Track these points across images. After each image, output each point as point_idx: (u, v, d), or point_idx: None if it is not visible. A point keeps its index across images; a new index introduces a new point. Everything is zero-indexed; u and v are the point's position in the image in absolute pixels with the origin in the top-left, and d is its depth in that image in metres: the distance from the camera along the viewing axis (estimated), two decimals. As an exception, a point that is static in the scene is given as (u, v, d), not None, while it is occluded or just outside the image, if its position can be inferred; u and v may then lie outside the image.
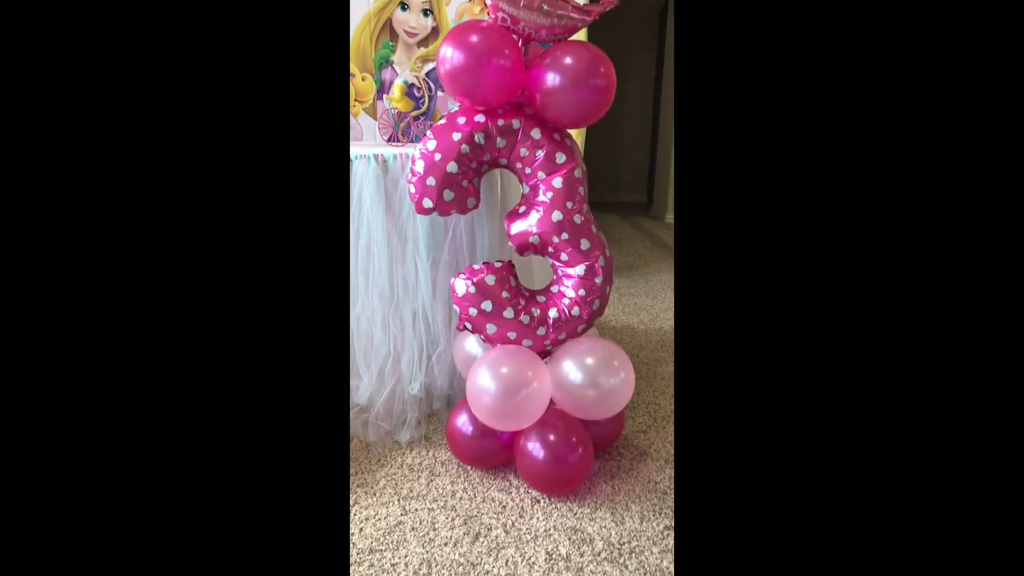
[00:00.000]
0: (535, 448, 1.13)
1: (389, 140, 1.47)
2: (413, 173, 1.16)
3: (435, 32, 2.52)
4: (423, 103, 2.59)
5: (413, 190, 1.16)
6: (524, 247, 1.18)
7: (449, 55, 1.10)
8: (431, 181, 1.14)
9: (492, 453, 1.22)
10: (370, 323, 1.29)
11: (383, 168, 1.27)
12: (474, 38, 1.07)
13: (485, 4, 2.42)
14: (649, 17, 4.74)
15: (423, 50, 2.52)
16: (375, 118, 2.60)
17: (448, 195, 1.15)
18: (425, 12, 2.47)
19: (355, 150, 1.30)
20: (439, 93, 2.57)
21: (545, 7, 1.06)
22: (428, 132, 1.16)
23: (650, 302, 2.43)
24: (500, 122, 1.14)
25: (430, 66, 2.55)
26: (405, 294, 1.28)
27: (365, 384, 1.32)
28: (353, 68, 2.53)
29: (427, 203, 1.16)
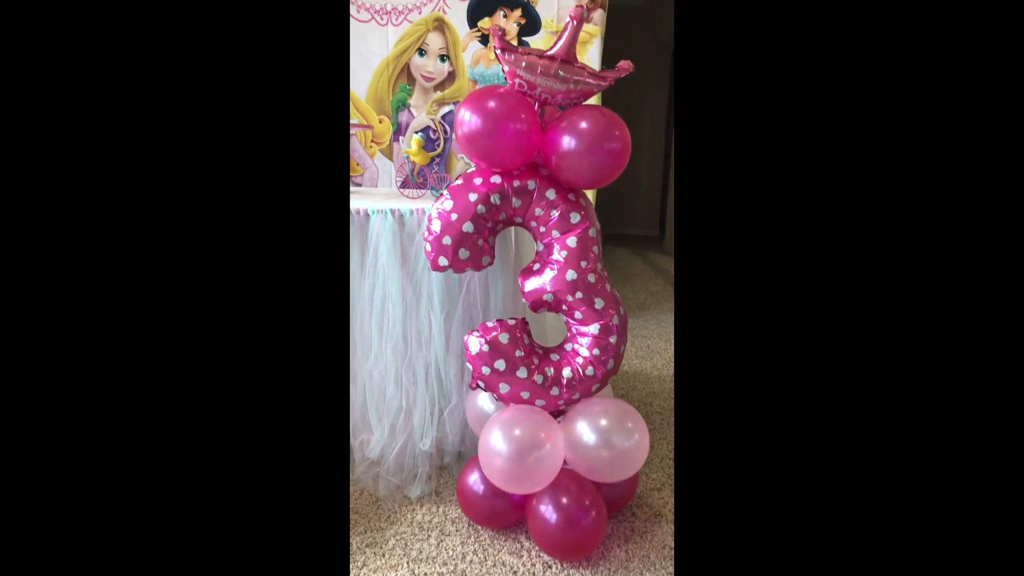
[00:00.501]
0: (547, 511, 1.11)
1: (403, 186, 1.49)
2: (430, 232, 1.17)
3: (451, 76, 2.58)
4: (438, 145, 2.64)
5: (429, 248, 1.17)
6: (538, 304, 1.18)
7: (468, 119, 1.12)
8: (447, 240, 1.15)
9: (504, 513, 1.20)
10: (383, 377, 1.29)
11: (399, 223, 1.29)
12: (492, 103, 1.09)
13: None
14: (662, 56, 4.83)
15: (439, 94, 2.58)
16: (391, 159, 2.65)
17: (463, 254, 1.16)
18: (442, 57, 2.53)
19: (372, 204, 1.32)
20: (454, 136, 2.62)
21: (561, 73, 1.08)
22: (445, 192, 1.18)
23: (663, 345, 2.41)
24: (516, 183, 1.15)
25: (446, 109, 2.61)
26: (418, 348, 1.28)
27: (377, 438, 1.31)
28: (371, 111, 2.59)
29: (443, 261, 1.17)
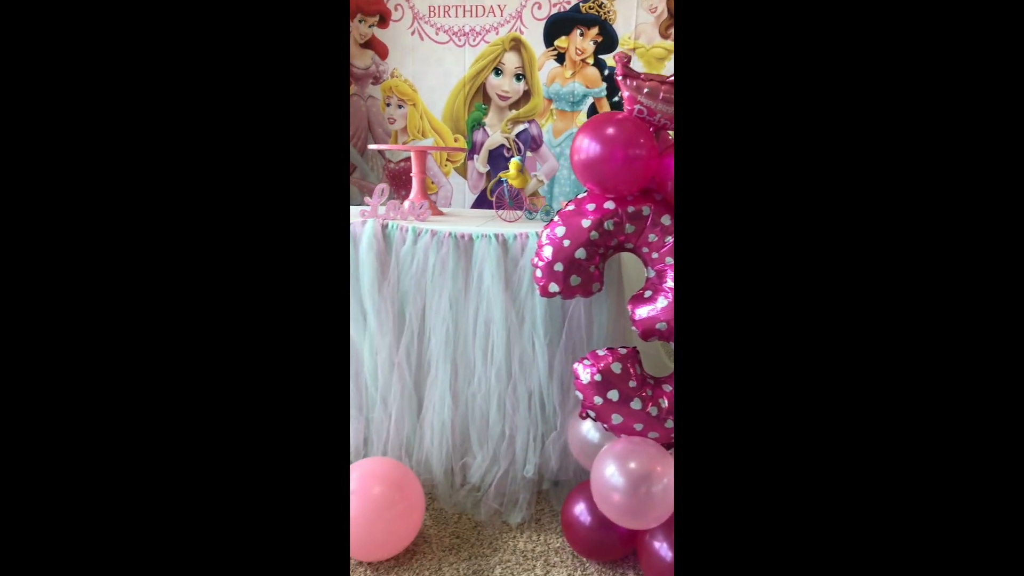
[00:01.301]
0: (663, 548, 1.08)
1: (498, 208, 1.49)
2: (540, 258, 1.16)
3: (526, 95, 2.59)
4: (512, 163, 2.65)
5: (540, 274, 1.16)
6: (650, 333, 1.15)
7: (585, 145, 1.11)
8: (559, 267, 1.14)
9: (611, 546, 1.17)
10: (486, 401, 1.29)
11: (503, 247, 1.29)
12: (610, 130, 1.08)
13: (575, 69, 2.47)
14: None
15: (514, 112, 2.60)
16: (465, 177, 2.68)
17: (575, 280, 1.15)
18: (518, 76, 2.55)
19: (476, 228, 1.33)
20: (528, 154, 2.63)
21: (682, 99, 1.05)
22: (556, 218, 1.17)
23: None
24: (630, 209, 1.13)
25: (520, 128, 2.63)
26: (521, 374, 1.27)
27: (478, 462, 1.31)
28: (446, 130, 2.63)
29: (553, 287, 1.15)
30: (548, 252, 1.15)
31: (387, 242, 1.34)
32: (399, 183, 2.67)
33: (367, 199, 1.38)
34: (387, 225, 1.35)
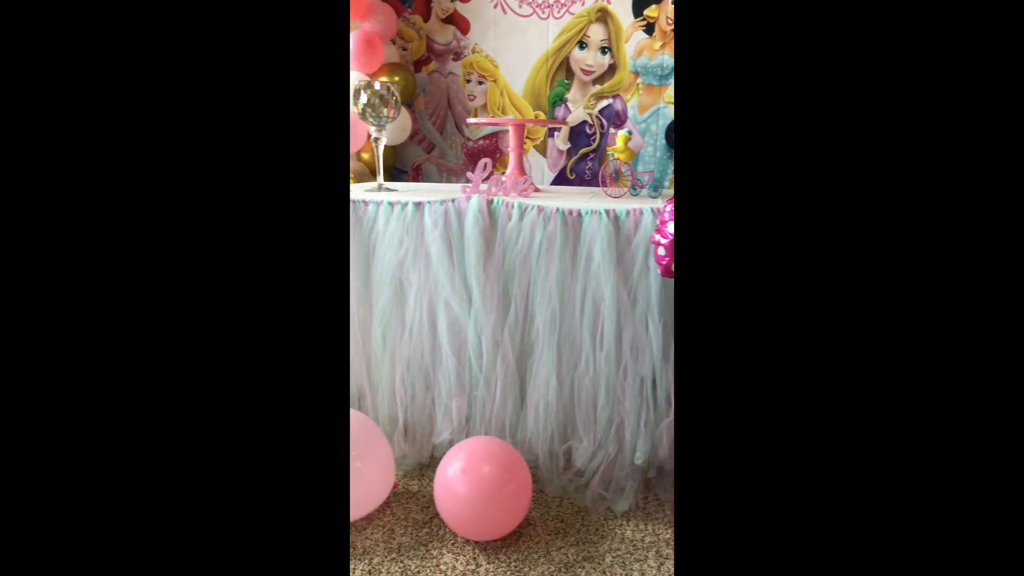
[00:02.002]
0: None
1: (603, 183, 1.42)
2: (663, 235, 1.09)
3: (611, 69, 2.49)
4: (594, 140, 2.56)
5: (663, 252, 1.10)
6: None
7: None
8: (683, 244, 1.07)
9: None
10: (593, 385, 1.24)
11: (615, 224, 1.23)
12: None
13: (665, 40, 2.35)
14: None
15: (598, 87, 2.50)
16: (544, 155, 2.62)
17: (699, 259, 1.07)
18: (603, 50, 2.45)
19: (584, 204, 1.27)
20: (611, 130, 2.53)
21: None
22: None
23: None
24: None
25: (604, 103, 2.53)
26: (633, 358, 1.22)
27: (584, 446, 1.27)
28: (527, 107, 2.57)
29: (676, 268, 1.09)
30: (673, 228, 1.08)
31: (492, 218, 1.31)
32: (477, 161, 2.64)
33: (470, 175, 1.35)
34: (492, 201, 1.31)
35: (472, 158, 2.65)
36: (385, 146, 2.48)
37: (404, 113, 2.35)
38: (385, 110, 1.45)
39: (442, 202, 1.32)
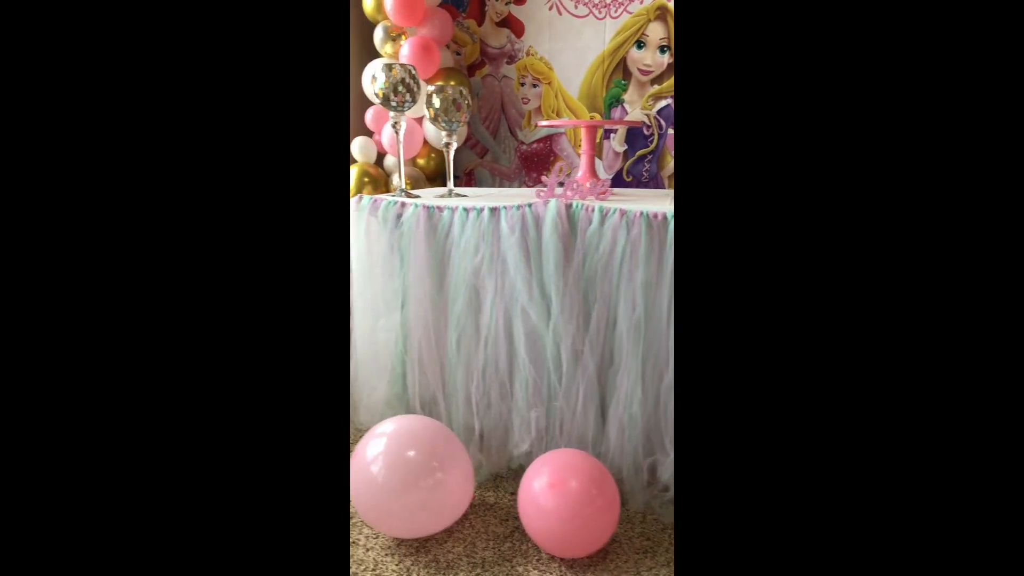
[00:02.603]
0: None
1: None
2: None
3: (671, 68, 2.43)
4: (651, 141, 2.50)
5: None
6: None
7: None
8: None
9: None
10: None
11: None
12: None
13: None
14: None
15: (656, 87, 2.44)
16: (600, 157, 2.57)
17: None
18: (662, 49, 2.39)
19: (671, 207, 1.22)
20: (669, 131, 2.47)
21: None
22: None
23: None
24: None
25: (662, 104, 2.47)
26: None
27: (671, 460, 1.21)
28: (582, 108, 2.53)
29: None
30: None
31: (571, 223, 1.27)
32: (531, 165, 2.61)
33: (545, 178, 1.31)
34: (571, 205, 1.27)
35: (526, 162, 2.62)
36: (436, 152, 2.48)
37: (460, 118, 2.34)
38: (457, 114, 1.43)
39: (519, 207, 1.29)
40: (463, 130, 2.35)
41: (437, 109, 1.42)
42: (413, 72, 1.40)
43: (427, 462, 1.14)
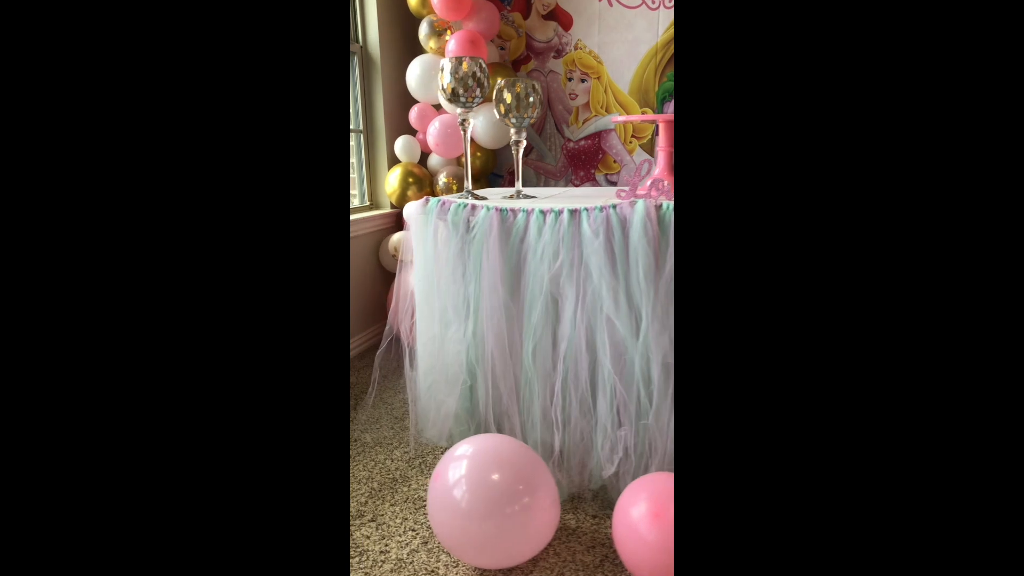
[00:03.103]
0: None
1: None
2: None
3: (728, 60, 2.32)
4: (706, 137, 2.39)
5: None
6: None
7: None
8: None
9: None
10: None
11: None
12: None
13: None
14: None
15: (713, 81, 2.34)
16: (652, 154, 2.47)
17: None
18: (719, 40, 2.29)
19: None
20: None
21: None
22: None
23: None
24: None
25: (719, 97, 2.36)
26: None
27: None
28: (633, 104, 2.43)
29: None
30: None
31: (661, 226, 1.17)
32: (578, 163, 2.51)
33: (627, 178, 1.22)
34: (661, 205, 1.18)
35: (572, 160, 2.52)
36: (483, 150, 2.40)
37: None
38: (530, 110, 1.34)
39: (602, 209, 1.19)
40: (503, 127, 2.27)
41: (508, 105, 1.33)
42: (483, 65, 1.32)
43: (513, 486, 1.06)
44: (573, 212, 1.21)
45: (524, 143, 1.40)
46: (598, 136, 2.47)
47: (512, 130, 1.38)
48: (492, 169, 2.50)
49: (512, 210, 1.27)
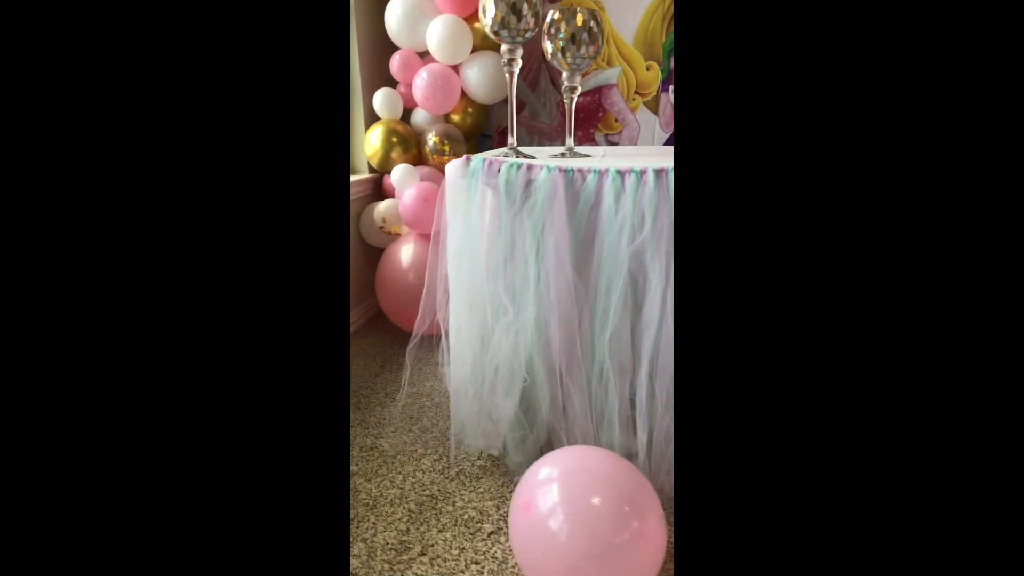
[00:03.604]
0: None
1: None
2: None
3: (740, 10, 2.15)
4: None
5: None
6: None
7: None
8: None
9: None
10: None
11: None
12: None
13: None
14: None
15: (724, 32, 2.17)
16: (656, 112, 2.28)
17: None
18: (732, -14, 2.11)
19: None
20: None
21: None
22: None
23: None
24: None
25: (729, 51, 2.20)
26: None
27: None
28: (637, 57, 2.22)
29: None
30: None
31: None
32: (576, 121, 2.28)
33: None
34: (766, 165, 0.99)
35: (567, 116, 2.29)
36: (474, 105, 2.12)
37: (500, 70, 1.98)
38: (590, 47, 1.10)
39: (693, 169, 0.99)
40: (501, 81, 1.99)
41: (564, 41, 1.09)
42: (598, 16, 1.07)
43: (618, 508, 0.87)
44: (658, 172, 1.00)
45: (580, 89, 1.17)
46: (598, 92, 2.25)
47: (565, 73, 1.14)
48: (483, 129, 2.23)
49: (580, 170, 1.04)
